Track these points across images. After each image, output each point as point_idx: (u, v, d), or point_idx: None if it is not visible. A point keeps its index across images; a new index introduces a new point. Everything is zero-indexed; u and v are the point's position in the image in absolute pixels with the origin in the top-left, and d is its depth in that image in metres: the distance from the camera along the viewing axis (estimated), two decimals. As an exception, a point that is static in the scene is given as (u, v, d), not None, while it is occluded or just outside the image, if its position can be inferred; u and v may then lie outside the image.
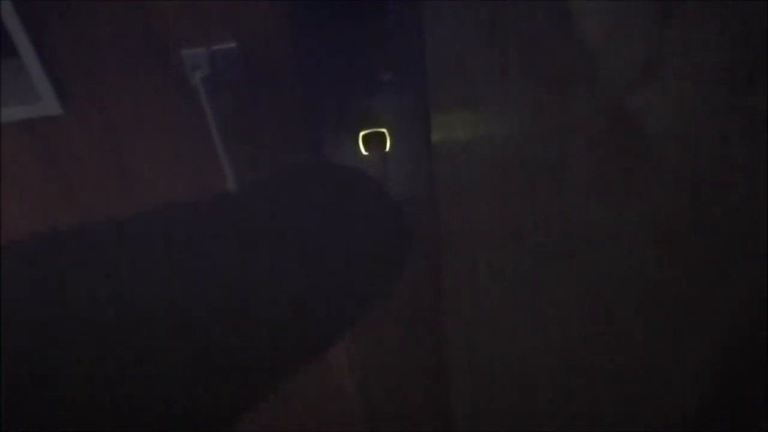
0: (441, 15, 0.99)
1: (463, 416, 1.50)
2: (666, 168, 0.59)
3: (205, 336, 0.54)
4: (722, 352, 0.58)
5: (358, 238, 0.67)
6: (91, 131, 1.12)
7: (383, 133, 1.17)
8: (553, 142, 0.80)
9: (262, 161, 1.15)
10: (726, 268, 0.55)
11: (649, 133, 0.60)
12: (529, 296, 0.96)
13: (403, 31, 1.10)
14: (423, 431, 1.66)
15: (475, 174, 1.03)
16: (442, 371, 1.50)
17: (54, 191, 1.18)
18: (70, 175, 1.17)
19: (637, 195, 0.65)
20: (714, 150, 0.52)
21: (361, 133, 1.19)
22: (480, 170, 1.00)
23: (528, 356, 1.01)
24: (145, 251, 0.57)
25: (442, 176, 1.19)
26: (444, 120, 1.11)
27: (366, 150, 1.18)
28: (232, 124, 1.13)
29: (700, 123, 0.53)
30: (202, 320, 0.54)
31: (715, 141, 0.52)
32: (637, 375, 0.73)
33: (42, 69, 1.05)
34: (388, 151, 1.19)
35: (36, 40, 1.03)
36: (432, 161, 1.20)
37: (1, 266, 0.49)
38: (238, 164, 1.11)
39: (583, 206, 0.76)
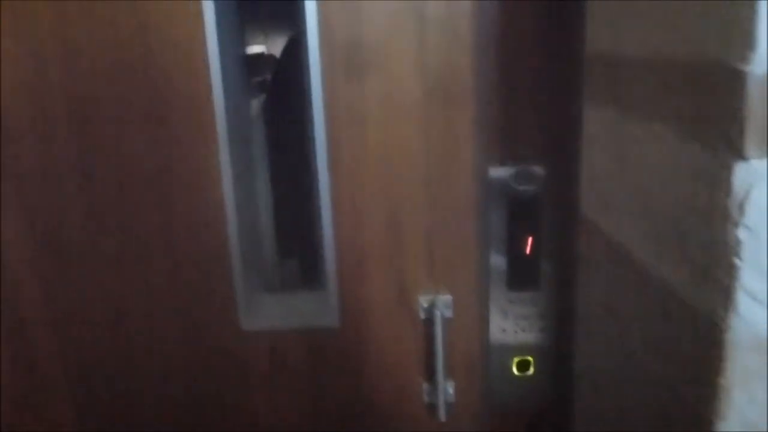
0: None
1: None
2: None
3: None
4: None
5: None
6: (359, 345, 1.79)
7: (530, 360, 1.78)
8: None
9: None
10: None
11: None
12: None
13: (556, 294, 1.73)
14: None
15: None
16: None
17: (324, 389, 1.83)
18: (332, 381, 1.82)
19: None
20: None
21: (515, 359, 1.81)
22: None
23: None
24: None
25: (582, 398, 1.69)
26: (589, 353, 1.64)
27: (517, 371, 1.79)
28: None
29: None
30: None
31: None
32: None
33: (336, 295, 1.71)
34: (532, 374, 1.79)
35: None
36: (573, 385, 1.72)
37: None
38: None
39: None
